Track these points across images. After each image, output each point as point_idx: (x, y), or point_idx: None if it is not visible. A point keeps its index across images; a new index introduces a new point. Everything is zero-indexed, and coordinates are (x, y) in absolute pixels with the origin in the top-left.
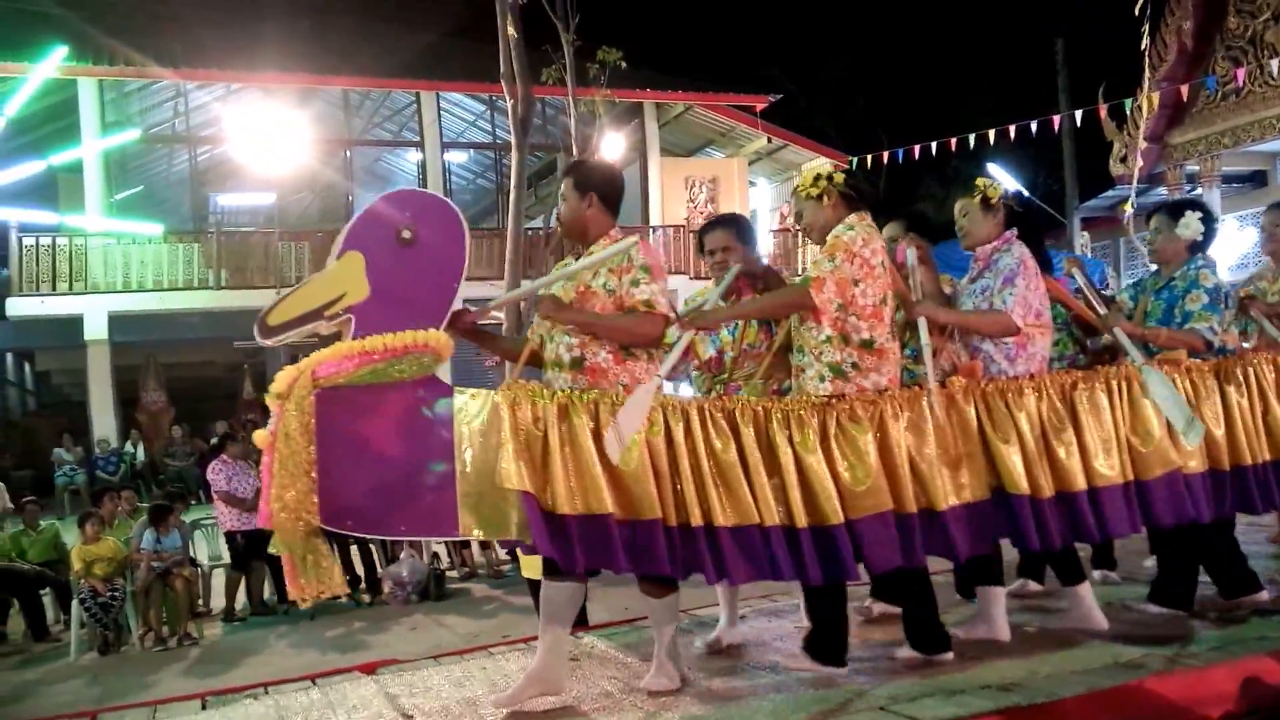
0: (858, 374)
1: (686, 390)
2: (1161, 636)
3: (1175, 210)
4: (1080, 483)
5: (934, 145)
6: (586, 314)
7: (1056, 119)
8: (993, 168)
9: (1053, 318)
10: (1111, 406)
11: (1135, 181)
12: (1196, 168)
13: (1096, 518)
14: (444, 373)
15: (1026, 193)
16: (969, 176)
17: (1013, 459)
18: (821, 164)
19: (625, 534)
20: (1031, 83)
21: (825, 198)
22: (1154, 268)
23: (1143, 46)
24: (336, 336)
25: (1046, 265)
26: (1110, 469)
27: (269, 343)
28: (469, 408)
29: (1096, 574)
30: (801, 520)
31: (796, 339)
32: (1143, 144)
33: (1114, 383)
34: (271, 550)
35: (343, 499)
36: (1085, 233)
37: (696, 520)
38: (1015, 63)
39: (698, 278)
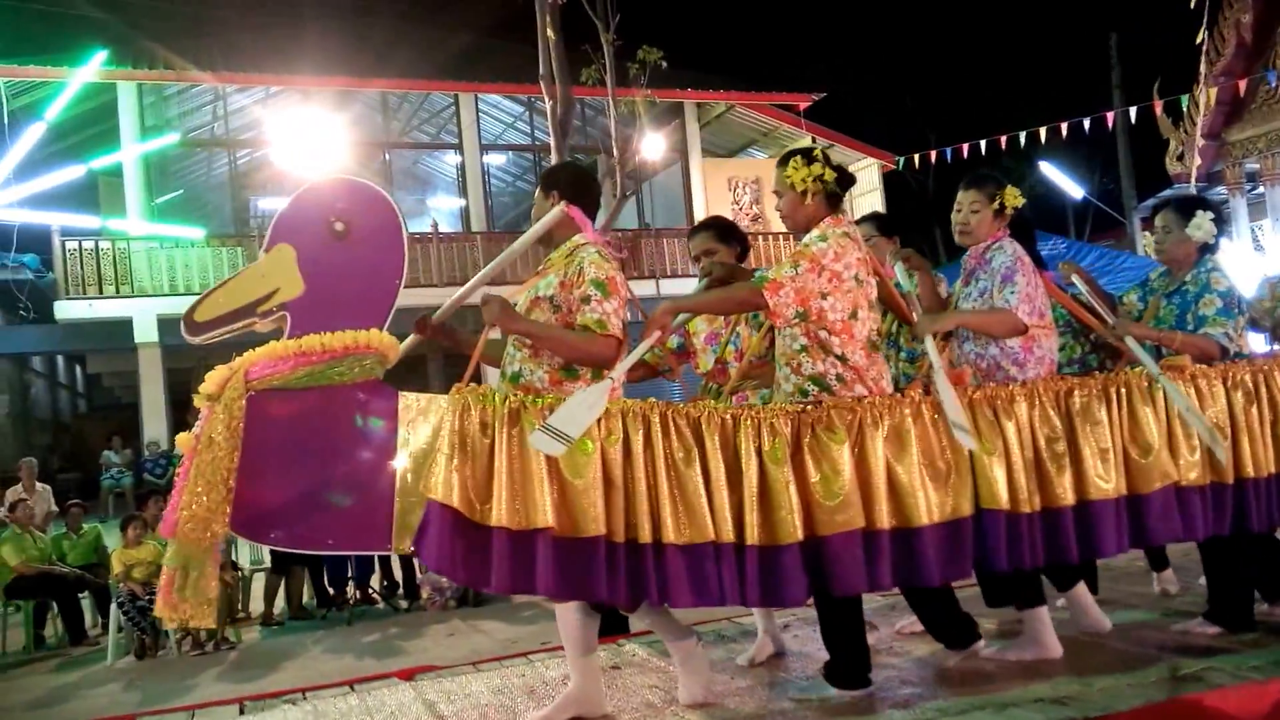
0: (843, 386)
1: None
2: (1221, 649)
3: (1185, 209)
4: (1069, 498)
5: (983, 143)
6: (536, 324)
7: (1110, 116)
8: (1045, 166)
9: (1055, 318)
10: (1109, 416)
11: (1194, 180)
12: (1256, 166)
13: (1080, 536)
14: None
15: (1081, 191)
16: (1019, 176)
17: (995, 471)
18: (799, 157)
19: (560, 553)
20: (1085, 79)
21: (809, 195)
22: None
23: (1199, 41)
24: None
25: (1040, 265)
26: (1105, 482)
27: (198, 340)
28: (412, 413)
29: (1155, 587)
30: (753, 537)
31: (776, 352)
32: (1200, 141)
33: (1112, 390)
34: (165, 563)
35: (268, 511)
36: (1146, 233)
37: (645, 537)
38: (1068, 59)
39: None
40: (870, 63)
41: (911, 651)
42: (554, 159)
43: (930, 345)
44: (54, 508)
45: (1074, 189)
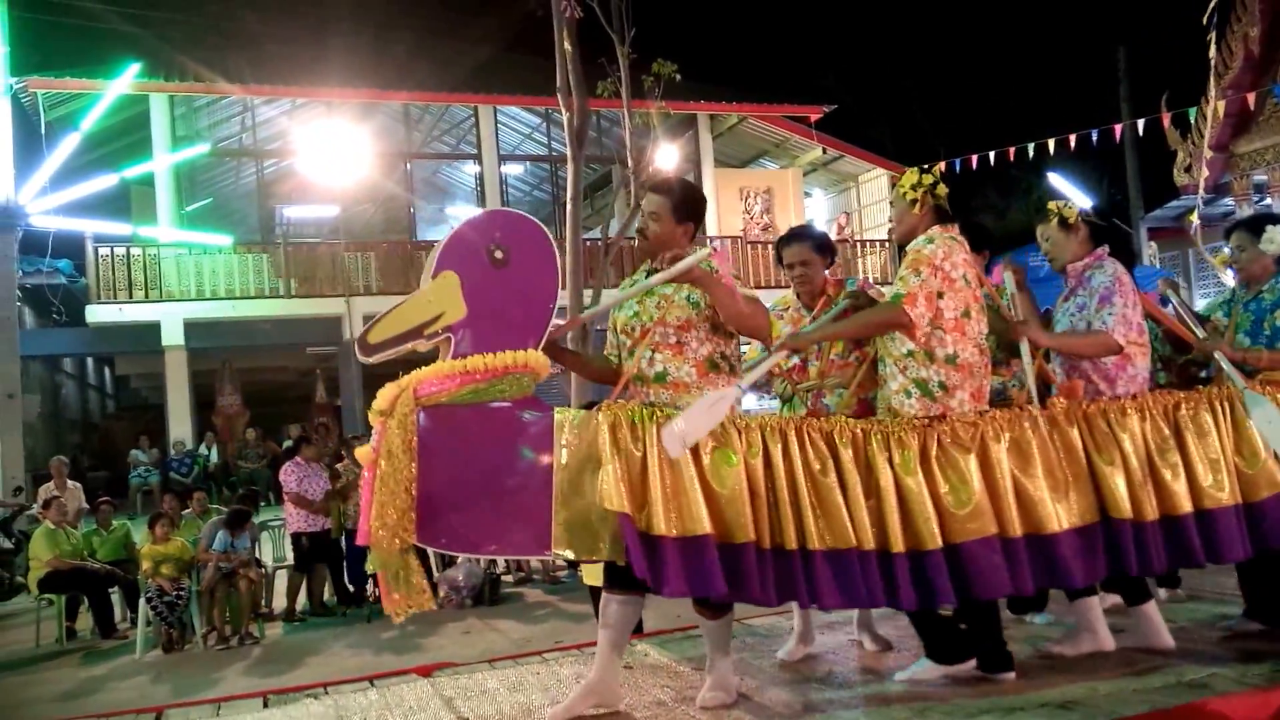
0: (944, 393)
1: (772, 405)
2: (1227, 656)
3: (1254, 226)
4: (1186, 505)
5: (992, 155)
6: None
7: (1118, 128)
8: (1053, 178)
9: None
10: (1216, 427)
11: (1201, 192)
12: (1264, 177)
13: (1205, 541)
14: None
15: (1089, 202)
16: (1029, 187)
17: (1116, 481)
18: (915, 170)
19: (721, 556)
20: (1093, 92)
21: (918, 205)
22: (1222, 278)
23: (1209, 54)
24: (434, 355)
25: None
26: (1219, 491)
27: (370, 360)
28: (568, 428)
29: (1162, 592)
30: (898, 545)
31: (881, 350)
32: (1208, 153)
33: (1218, 403)
34: (368, 569)
35: (439, 518)
36: (1153, 243)
37: (791, 544)
38: (1076, 72)
39: (758, 288)
40: (880, 75)
41: (922, 653)
42: (571, 169)
43: (1025, 348)
44: (85, 505)
45: (1082, 200)
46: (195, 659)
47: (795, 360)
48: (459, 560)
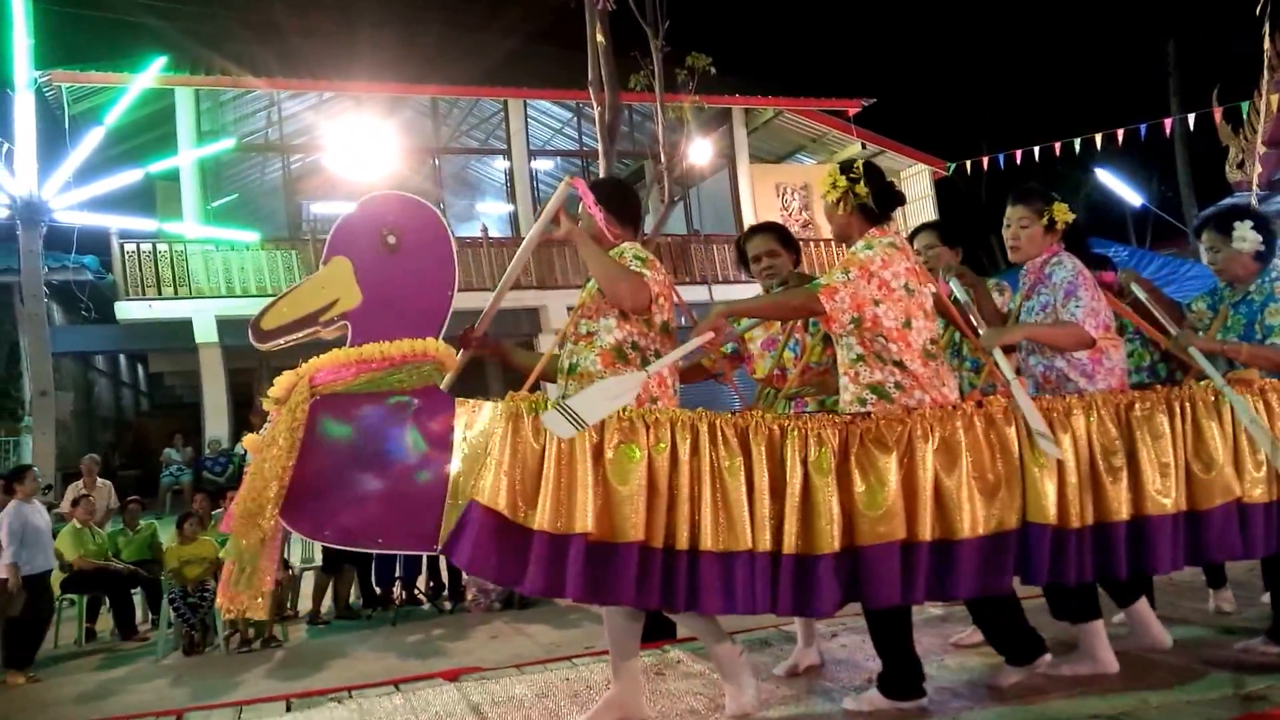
0: (902, 394)
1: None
2: None
3: (1222, 224)
4: (1123, 513)
5: (1037, 150)
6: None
7: (1168, 122)
8: (1101, 174)
9: (1120, 328)
10: (1172, 430)
11: (1255, 188)
12: None
13: (1132, 552)
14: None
15: (1139, 199)
16: (1074, 183)
17: (1045, 485)
18: (835, 166)
19: (591, 558)
20: (1142, 86)
21: (840, 204)
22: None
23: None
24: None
25: (1102, 265)
26: (1164, 497)
27: (264, 347)
28: (468, 419)
29: (1210, 604)
30: (790, 546)
31: (838, 359)
32: (1261, 149)
33: (1176, 404)
34: (223, 556)
35: (325, 510)
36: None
37: (682, 544)
38: (1125, 65)
39: None
40: (922, 68)
41: (964, 663)
42: (601, 164)
43: (1000, 357)
44: (115, 503)
45: (1132, 196)
46: (216, 661)
47: (769, 367)
48: None
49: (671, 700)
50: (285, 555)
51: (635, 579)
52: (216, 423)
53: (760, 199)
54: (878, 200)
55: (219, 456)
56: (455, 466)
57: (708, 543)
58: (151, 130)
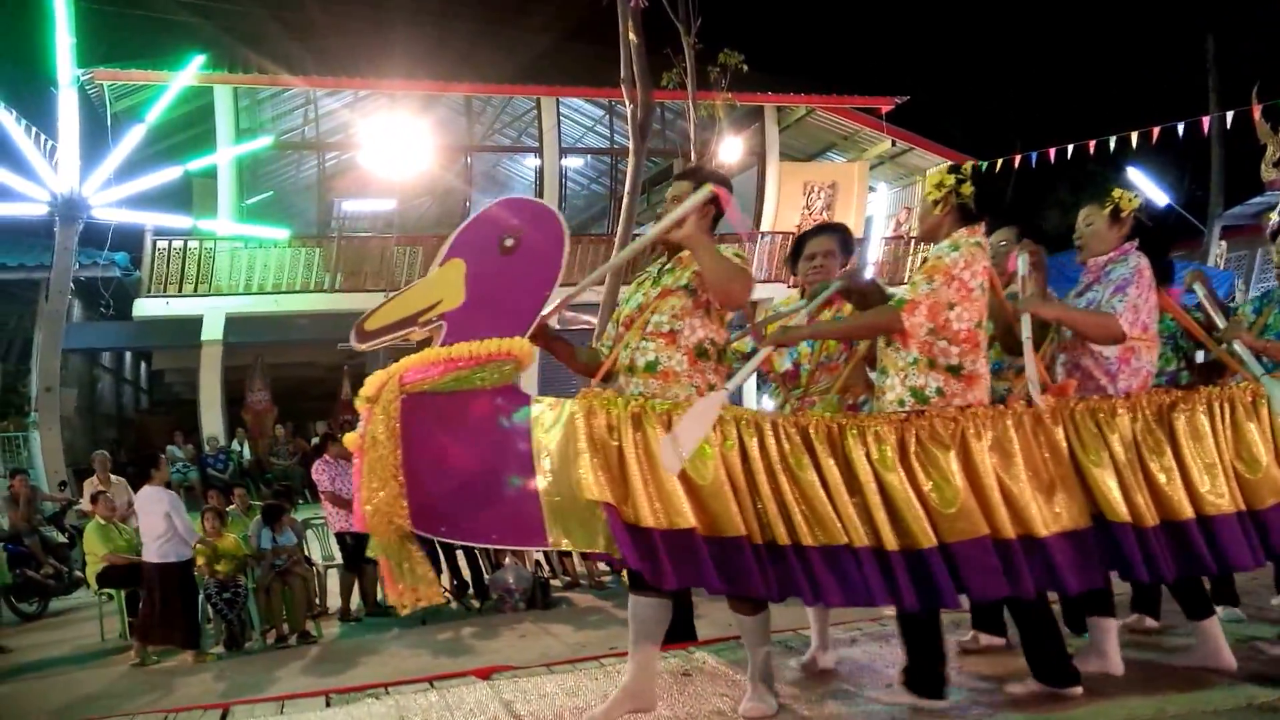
0: (940, 399)
1: (768, 403)
2: None
3: None
4: (1187, 510)
5: (1069, 148)
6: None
7: (1206, 121)
8: (1132, 172)
9: (1159, 331)
10: (1213, 430)
11: None
12: None
13: (1211, 549)
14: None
15: (1166, 199)
16: (1105, 182)
17: (1108, 483)
18: (944, 167)
19: (713, 551)
20: (1178, 83)
21: (940, 205)
22: None
23: None
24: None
25: (1168, 276)
26: (1219, 497)
27: (363, 347)
28: (545, 417)
29: (1221, 611)
30: (891, 543)
31: (881, 359)
32: None
33: (1216, 404)
34: (369, 554)
35: (434, 505)
36: (1223, 242)
37: (783, 539)
38: (1161, 62)
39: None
40: (955, 66)
41: (979, 669)
42: (632, 162)
43: (1026, 323)
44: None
45: (1158, 196)
46: (254, 657)
47: (788, 365)
48: (506, 563)
49: (698, 702)
50: (307, 553)
51: (757, 569)
52: (211, 419)
53: (785, 197)
54: (978, 202)
55: (219, 454)
56: (542, 464)
57: (805, 538)
58: (191, 128)
